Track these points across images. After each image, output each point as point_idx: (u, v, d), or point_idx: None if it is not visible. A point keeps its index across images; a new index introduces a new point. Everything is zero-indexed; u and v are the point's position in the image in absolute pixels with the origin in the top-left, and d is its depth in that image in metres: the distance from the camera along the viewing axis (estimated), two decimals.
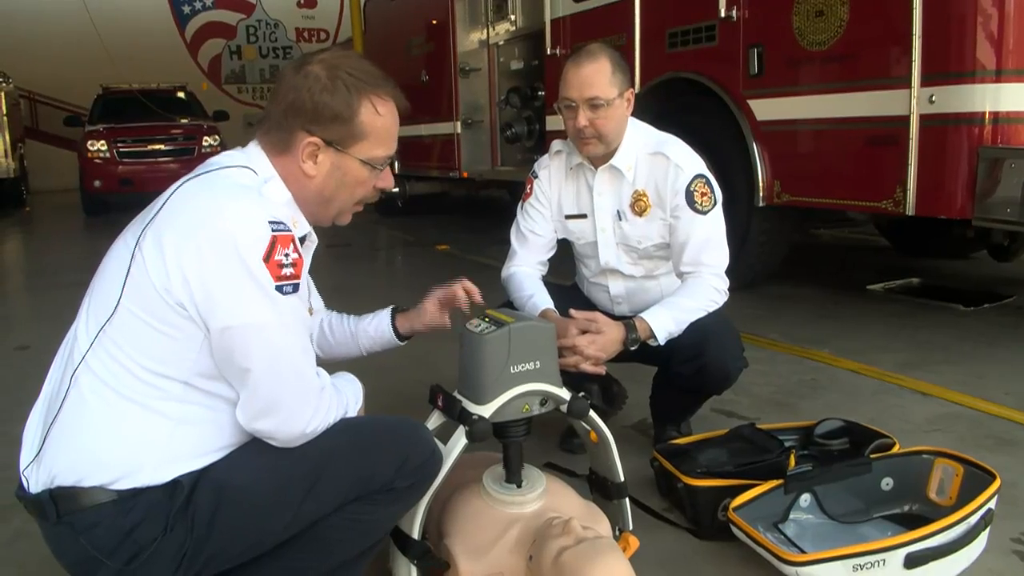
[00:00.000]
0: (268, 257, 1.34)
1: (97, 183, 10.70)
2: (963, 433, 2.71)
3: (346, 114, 1.52)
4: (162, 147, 10.91)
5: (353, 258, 6.85)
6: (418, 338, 2.05)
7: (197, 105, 12.65)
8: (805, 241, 5.99)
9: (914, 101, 3.56)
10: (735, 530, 1.94)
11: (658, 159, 2.34)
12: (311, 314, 1.72)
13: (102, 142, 10.80)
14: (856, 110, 3.84)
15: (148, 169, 10.59)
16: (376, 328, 1.96)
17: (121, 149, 10.78)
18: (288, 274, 1.37)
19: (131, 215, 1.54)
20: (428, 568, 1.74)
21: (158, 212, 1.42)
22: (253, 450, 1.45)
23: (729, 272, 2.36)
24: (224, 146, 10.35)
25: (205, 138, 11.08)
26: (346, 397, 1.60)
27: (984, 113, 3.44)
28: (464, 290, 1.99)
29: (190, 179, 1.47)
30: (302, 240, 1.51)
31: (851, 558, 1.78)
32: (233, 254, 1.33)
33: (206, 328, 1.36)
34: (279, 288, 1.36)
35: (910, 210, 3.64)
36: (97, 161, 10.76)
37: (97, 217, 10.75)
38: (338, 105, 1.51)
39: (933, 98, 3.51)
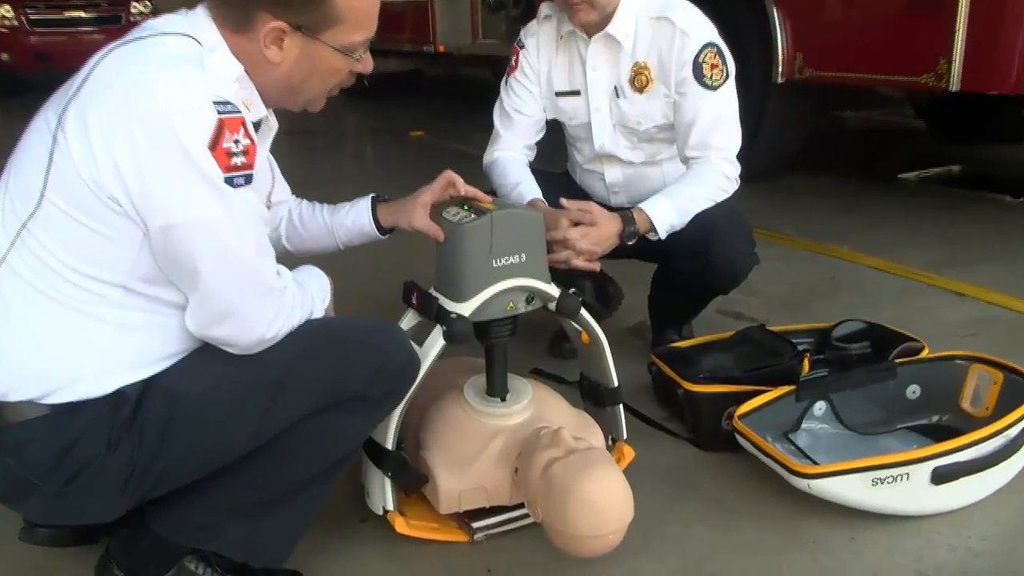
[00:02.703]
0: (214, 144, 1.31)
1: (5, 57, 10.22)
2: (1002, 338, 2.74)
3: None
4: (82, 14, 10.44)
5: (315, 148, 6.78)
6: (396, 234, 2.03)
7: None
8: (828, 124, 5.96)
9: None
10: (740, 440, 1.99)
11: (662, 25, 2.29)
12: (270, 208, 1.71)
13: (6, 7, 10.32)
14: None
15: (69, 41, 10.15)
16: (355, 220, 1.94)
17: (32, 17, 10.31)
18: (239, 164, 1.34)
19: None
20: (404, 481, 1.80)
21: (81, 87, 1.35)
22: (208, 357, 1.46)
23: (740, 158, 2.35)
24: (158, 13, 10.01)
25: (134, 3, 10.72)
26: (311, 295, 1.60)
27: None
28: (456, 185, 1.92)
29: (117, 47, 1.40)
30: (256, 126, 1.48)
31: (870, 471, 1.82)
32: (172, 141, 1.28)
33: (145, 227, 1.33)
34: (229, 180, 1.33)
35: (954, 85, 3.57)
36: (3, 31, 10.37)
37: (14, 100, 10.49)
38: None
39: None
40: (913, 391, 2.18)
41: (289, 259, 1.67)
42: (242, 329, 1.43)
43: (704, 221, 2.26)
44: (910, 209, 4.29)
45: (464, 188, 1.87)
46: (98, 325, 1.39)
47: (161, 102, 1.29)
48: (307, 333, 1.52)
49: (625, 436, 2.06)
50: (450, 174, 1.88)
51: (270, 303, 1.45)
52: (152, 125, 1.29)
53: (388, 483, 1.80)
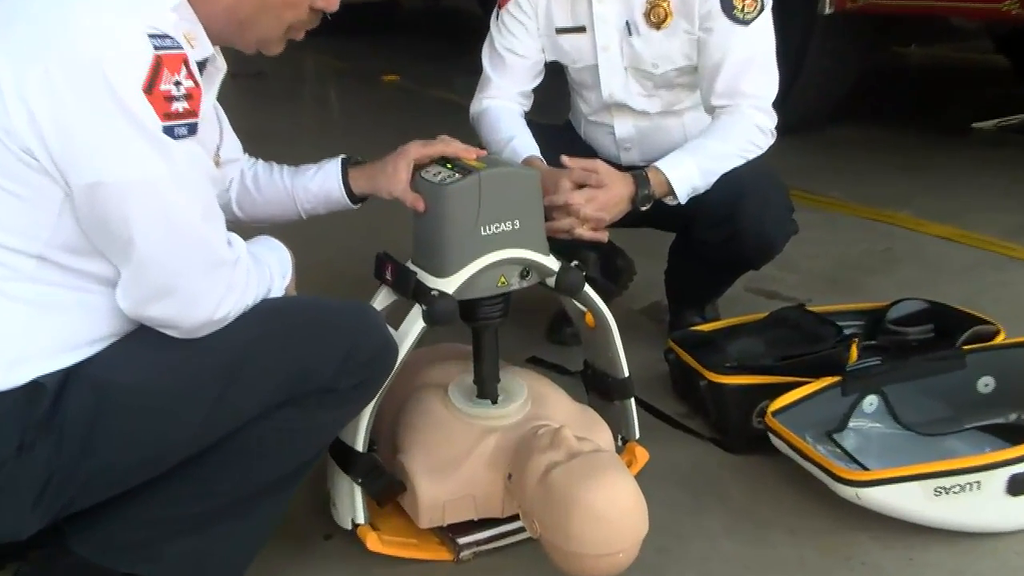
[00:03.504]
0: (150, 86, 1.31)
1: None
2: None
3: None
4: None
5: (267, 94, 6.75)
6: (369, 201, 2.04)
7: None
8: (885, 64, 5.94)
9: None
10: (774, 440, 2.02)
11: None
12: (219, 165, 1.72)
13: None
14: None
15: None
16: (321, 185, 1.96)
17: None
18: (180, 109, 1.34)
19: None
20: (377, 490, 1.83)
21: None
22: (144, 342, 1.47)
23: (777, 106, 2.37)
24: None
25: None
26: (268, 270, 1.62)
27: None
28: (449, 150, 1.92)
29: None
30: (201, 67, 1.48)
31: (932, 478, 1.84)
32: (99, 84, 1.28)
33: (67, 185, 1.34)
34: (168, 130, 1.34)
35: None
36: None
37: None
38: None
39: None
40: (985, 384, 2.20)
41: (242, 229, 1.68)
42: (185, 308, 1.44)
43: (732, 182, 2.28)
44: (986, 165, 4.30)
45: (460, 151, 1.88)
46: (8, 304, 1.40)
47: (83, 35, 1.30)
48: (263, 314, 1.54)
49: (637, 435, 2.10)
50: (446, 139, 1.90)
51: (219, 278, 1.46)
52: (73, 63, 1.29)
53: (358, 492, 1.83)
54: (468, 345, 1.96)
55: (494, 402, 1.91)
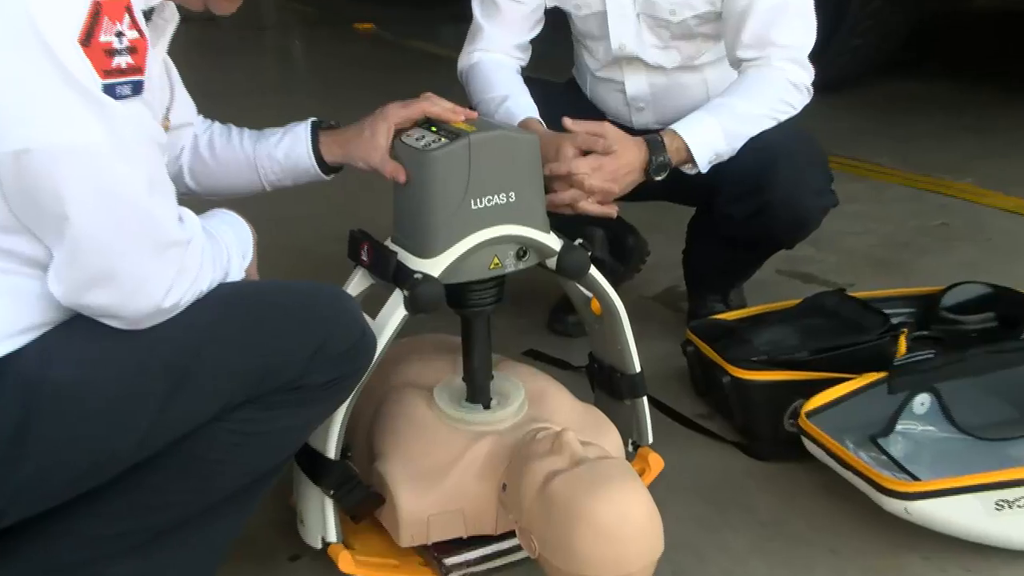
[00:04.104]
0: (88, 38, 1.31)
1: None
2: None
3: None
4: None
5: (221, 44, 6.74)
6: (343, 172, 2.04)
7: None
8: (942, 9, 5.90)
9: None
10: (809, 445, 2.03)
11: None
12: (168, 130, 1.72)
13: None
14: None
15: None
16: (288, 152, 1.96)
17: None
18: (123, 65, 1.34)
19: None
20: (352, 503, 1.83)
21: None
22: (81, 333, 1.47)
23: (814, 59, 2.37)
24: None
25: None
26: (226, 250, 1.62)
27: None
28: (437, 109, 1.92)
29: None
30: (148, 15, 1.48)
31: (994, 489, 1.85)
32: (26, 34, 1.29)
33: None
34: (109, 89, 1.33)
35: None
36: None
37: None
38: None
39: None
40: None
41: (196, 203, 1.68)
42: (129, 295, 1.44)
43: (762, 147, 2.28)
44: None
45: (447, 111, 1.88)
46: None
47: None
48: (221, 301, 1.54)
49: (651, 440, 2.11)
50: (431, 97, 1.90)
51: (169, 260, 1.46)
52: None
53: (330, 505, 1.83)
54: (456, 336, 1.97)
55: (486, 406, 1.92)
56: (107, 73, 1.33)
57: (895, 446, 2.13)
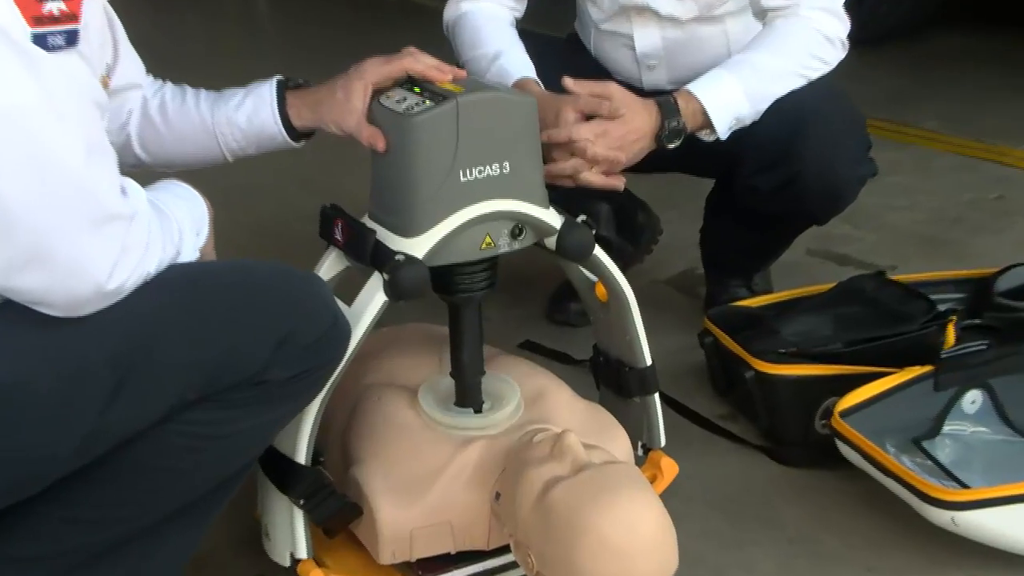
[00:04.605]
0: None
1: None
2: None
3: None
4: None
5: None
6: (314, 138, 2.03)
7: None
8: None
9: None
10: (843, 449, 2.03)
11: None
12: (107, 86, 1.71)
13: None
14: None
15: None
16: (251, 116, 1.95)
17: None
18: (55, 12, 1.34)
19: None
20: (325, 514, 1.82)
21: None
22: (11, 322, 1.46)
23: (850, 8, 2.36)
24: None
25: None
26: (178, 226, 1.62)
27: None
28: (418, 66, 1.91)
29: None
30: None
31: None
32: None
33: None
34: (39, 38, 1.33)
35: None
36: None
37: None
38: None
39: None
40: None
41: (147, 175, 1.67)
42: (64, 278, 1.43)
43: (790, 110, 2.28)
44: None
45: (431, 69, 1.87)
46: None
47: None
48: (171, 284, 1.54)
49: (663, 443, 2.11)
50: (413, 52, 1.89)
51: (109, 237, 1.45)
52: None
53: (300, 517, 1.83)
54: (443, 326, 1.97)
55: (477, 410, 1.92)
56: (37, 20, 1.33)
57: (942, 450, 2.13)
